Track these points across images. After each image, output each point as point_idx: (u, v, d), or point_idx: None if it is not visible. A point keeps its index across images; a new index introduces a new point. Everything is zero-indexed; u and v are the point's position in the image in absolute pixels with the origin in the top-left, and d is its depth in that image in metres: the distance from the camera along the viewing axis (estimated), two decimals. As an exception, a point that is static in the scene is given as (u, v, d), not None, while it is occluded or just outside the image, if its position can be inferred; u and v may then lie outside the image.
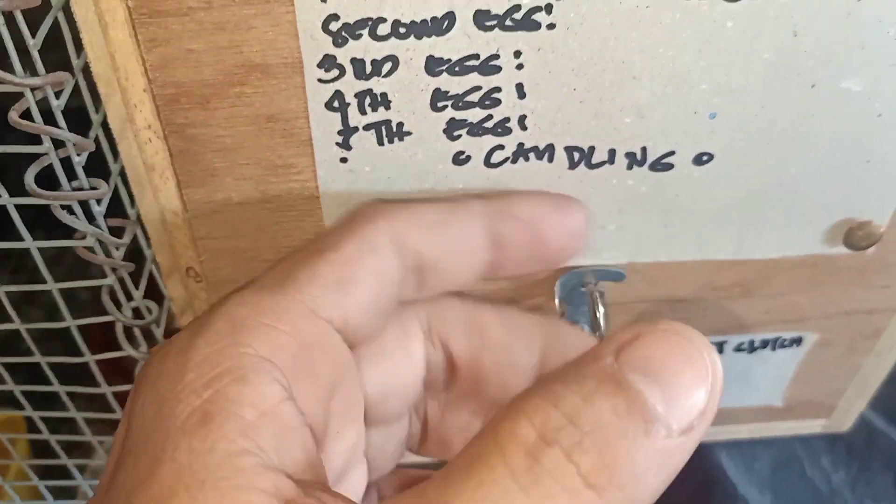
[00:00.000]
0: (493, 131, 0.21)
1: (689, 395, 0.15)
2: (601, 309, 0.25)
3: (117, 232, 0.23)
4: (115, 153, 0.23)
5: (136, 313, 0.25)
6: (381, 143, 0.21)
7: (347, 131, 0.21)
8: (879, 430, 0.45)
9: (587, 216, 0.22)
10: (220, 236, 0.24)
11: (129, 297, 0.25)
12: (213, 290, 0.25)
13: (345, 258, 0.18)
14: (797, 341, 0.30)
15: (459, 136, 0.21)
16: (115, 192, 0.24)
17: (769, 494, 0.42)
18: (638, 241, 0.25)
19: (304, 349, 0.17)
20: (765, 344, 0.30)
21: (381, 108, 0.21)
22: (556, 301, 0.26)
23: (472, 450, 0.14)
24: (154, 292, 0.25)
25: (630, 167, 0.23)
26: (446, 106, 0.21)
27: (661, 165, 0.23)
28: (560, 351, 0.21)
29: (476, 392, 0.22)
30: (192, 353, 0.16)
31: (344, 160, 0.22)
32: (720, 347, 0.30)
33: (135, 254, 0.25)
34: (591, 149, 0.22)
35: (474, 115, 0.21)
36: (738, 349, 0.30)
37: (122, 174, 0.23)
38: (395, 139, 0.21)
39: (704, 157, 0.23)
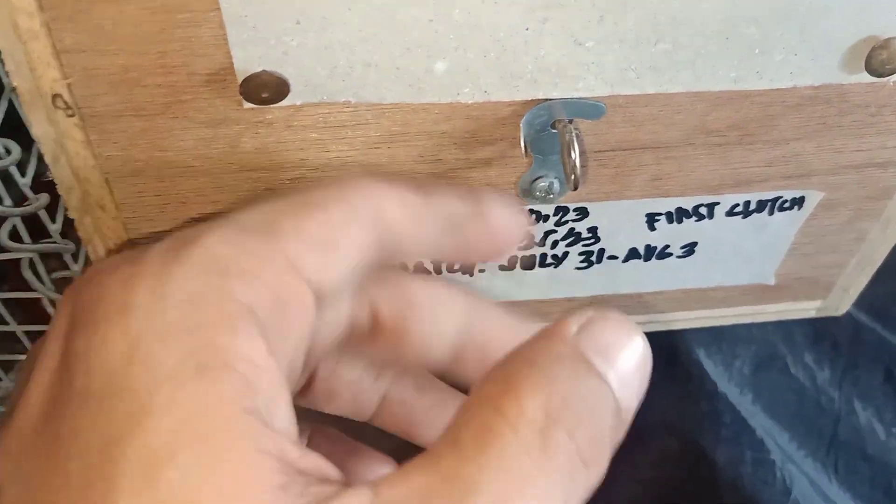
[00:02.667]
0: None
1: (633, 381, 0.16)
2: (576, 149, 0.21)
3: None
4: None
5: (-8, 157, 0.20)
6: None
7: None
8: (866, 325, 0.42)
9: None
10: (90, 49, 0.18)
11: (-19, 136, 0.19)
12: (92, 128, 0.20)
13: (332, 221, 0.17)
14: (798, 202, 0.26)
15: None
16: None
17: (750, 393, 0.39)
18: (621, 64, 0.20)
19: (280, 305, 0.16)
20: (762, 206, 0.26)
21: None
22: (522, 145, 0.22)
23: (478, 424, 0.14)
24: (19, 132, 0.20)
25: (615, -48, 0.18)
26: None
27: (655, -50, 0.18)
28: (481, 327, 0.20)
29: (393, 354, 0.21)
30: (172, 285, 0.15)
31: (244, -67, 0.17)
32: (710, 211, 0.26)
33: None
34: (567, -76, 0.17)
35: None
36: (732, 213, 0.26)
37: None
38: None
39: (709, -61, 0.18)
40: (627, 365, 0.16)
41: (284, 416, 0.15)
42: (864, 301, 0.32)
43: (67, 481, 0.14)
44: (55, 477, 0.14)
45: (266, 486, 0.13)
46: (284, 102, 0.20)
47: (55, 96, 0.19)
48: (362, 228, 0.18)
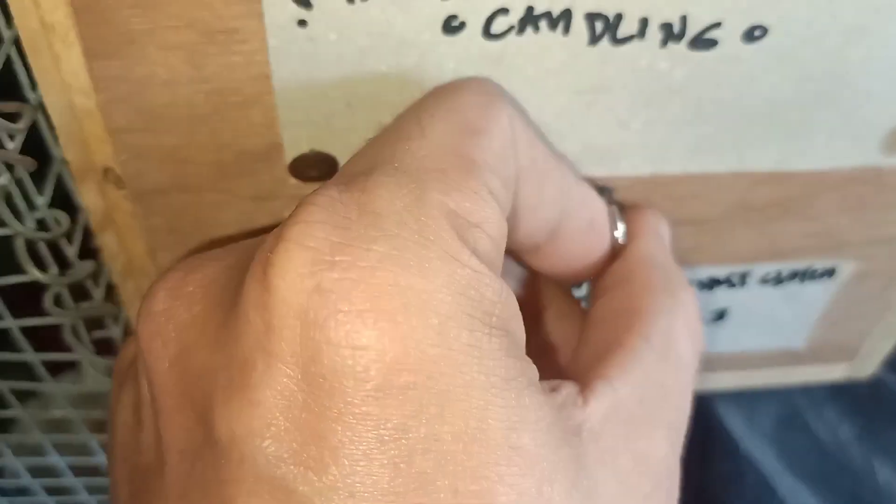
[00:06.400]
0: (496, -13, 0.17)
1: None
2: (619, 229, 0.21)
3: (12, 120, 0.18)
4: (8, 17, 0.18)
5: (42, 227, 0.20)
6: (350, -1, 0.16)
7: (307, -19, 0.16)
8: (885, 381, 0.42)
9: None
10: (142, 129, 0.18)
11: (32, 206, 0.20)
12: (139, 201, 0.20)
13: (500, 151, 0.15)
14: (829, 273, 0.26)
15: (452, -8, 0.17)
16: (11, 71, 0.19)
17: (772, 449, 0.39)
18: (666, 145, 0.20)
19: (498, 251, 0.15)
20: (794, 275, 0.26)
21: (352, -50, 0.16)
22: None
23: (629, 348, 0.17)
24: (65, 205, 0.20)
25: (665, 43, 0.18)
26: (437, -50, 0.16)
27: (703, 42, 0.18)
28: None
29: None
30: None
31: (302, 23, 0.17)
32: (743, 279, 0.26)
33: (38, 154, 0.20)
34: (619, 17, 0.17)
35: (473, -37, 0.16)
36: (764, 281, 0.26)
37: (19, 44, 0.18)
38: (370, -6, 0.16)
39: (757, 32, 0.18)
40: None
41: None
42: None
43: None
44: None
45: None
46: (331, 180, 0.20)
47: (107, 170, 0.19)
48: (515, 159, 0.16)
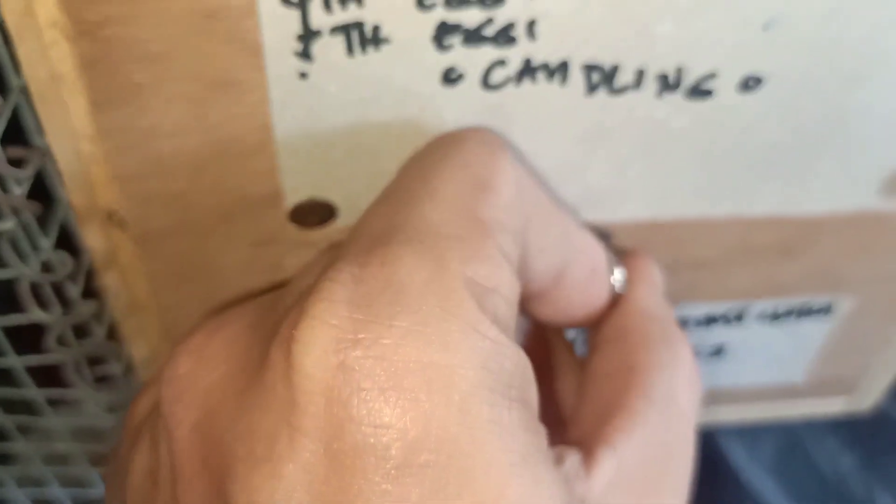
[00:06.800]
0: (493, 41, 0.17)
1: None
2: (616, 277, 0.21)
3: (18, 164, 0.18)
4: (16, 66, 0.18)
5: (46, 269, 0.20)
6: (350, 52, 0.17)
7: (308, 36, 0.16)
8: (887, 411, 0.42)
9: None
10: (147, 176, 0.19)
11: (36, 247, 0.20)
12: (143, 244, 0.20)
13: (508, 205, 0.15)
14: (825, 309, 0.26)
15: (451, 46, 0.17)
16: (18, 119, 0.19)
17: (772, 480, 0.39)
18: (665, 191, 0.21)
19: (513, 313, 0.15)
20: (792, 311, 0.26)
21: (353, 6, 0.16)
22: None
23: (631, 411, 0.17)
24: (69, 247, 0.21)
25: (661, 93, 0.18)
26: (435, 5, 0.16)
27: (700, 92, 0.18)
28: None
29: None
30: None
31: (304, 76, 0.17)
32: (740, 316, 0.26)
33: (42, 196, 0.20)
34: (615, 68, 0.18)
35: (471, 17, 0.17)
36: (761, 317, 0.26)
37: (26, 93, 0.18)
38: (370, 48, 0.17)
39: (752, 82, 0.18)
40: None
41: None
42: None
43: None
44: None
45: None
46: (331, 225, 0.20)
47: (111, 213, 0.20)
48: (522, 212, 0.16)
